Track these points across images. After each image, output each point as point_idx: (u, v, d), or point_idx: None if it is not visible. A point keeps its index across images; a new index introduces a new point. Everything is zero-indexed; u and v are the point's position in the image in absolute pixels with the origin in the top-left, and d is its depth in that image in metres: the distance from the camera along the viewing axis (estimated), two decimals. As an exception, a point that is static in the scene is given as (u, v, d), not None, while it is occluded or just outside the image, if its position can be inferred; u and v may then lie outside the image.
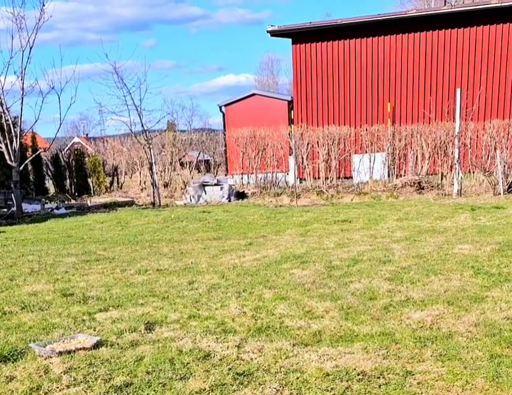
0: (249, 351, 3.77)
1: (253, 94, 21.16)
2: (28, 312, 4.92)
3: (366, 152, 15.82)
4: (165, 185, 18.58)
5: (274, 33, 17.53)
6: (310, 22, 17.23)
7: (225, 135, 19.93)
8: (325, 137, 15.96)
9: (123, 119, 15.49)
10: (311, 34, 17.26)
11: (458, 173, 13.58)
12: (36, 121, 14.40)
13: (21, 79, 13.58)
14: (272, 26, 17.26)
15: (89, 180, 20.73)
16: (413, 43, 16.60)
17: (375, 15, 16.81)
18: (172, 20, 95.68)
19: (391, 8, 51.04)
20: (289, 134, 16.22)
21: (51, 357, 3.78)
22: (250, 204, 14.30)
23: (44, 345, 3.93)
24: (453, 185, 13.86)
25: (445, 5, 30.81)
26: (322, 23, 17.71)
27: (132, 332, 4.25)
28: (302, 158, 16.11)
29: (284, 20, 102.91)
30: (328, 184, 15.67)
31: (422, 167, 15.41)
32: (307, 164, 16.16)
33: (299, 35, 17.37)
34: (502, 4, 15.57)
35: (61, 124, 14.60)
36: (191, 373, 3.46)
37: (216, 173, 24.62)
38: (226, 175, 20.10)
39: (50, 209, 15.09)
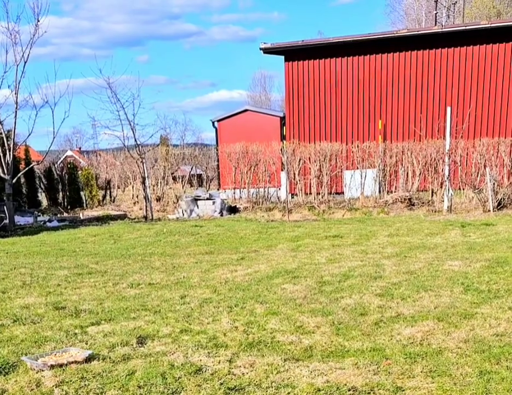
0: (240, 366, 3.79)
1: (246, 110, 21.27)
2: (20, 325, 4.91)
3: (357, 168, 15.93)
4: (158, 199, 18.57)
5: (267, 51, 17.69)
6: (302, 40, 17.40)
7: (217, 150, 19.99)
8: (317, 153, 16.09)
9: (116, 133, 15.50)
10: (303, 52, 17.44)
11: (448, 190, 13.72)
12: (29, 134, 14.41)
13: (15, 93, 13.60)
14: (265, 43, 17.43)
15: (82, 193, 20.66)
16: (404, 61, 16.83)
17: (366, 34, 17.02)
18: (166, 36, 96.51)
19: (382, 28, 51.74)
20: (281, 149, 16.32)
21: (43, 370, 3.78)
22: (242, 218, 14.33)
23: (36, 359, 3.93)
24: (443, 201, 13.99)
25: (435, 25, 31.33)
26: (314, 42, 17.87)
27: (124, 345, 4.26)
28: (294, 173, 16.21)
29: (276, 37, 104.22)
30: (319, 200, 15.75)
31: (413, 183, 15.53)
32: (299, 180, 16.25)
33: (292, 53, 17.55)
34: (492, 25, 15.88)
35: (54, 137, 14.58)
36: (183, 388, 3.48)
37: (209, 188, 24.63)
38: (218, 189, 20.12)
39: (42, 222, 15.03)
